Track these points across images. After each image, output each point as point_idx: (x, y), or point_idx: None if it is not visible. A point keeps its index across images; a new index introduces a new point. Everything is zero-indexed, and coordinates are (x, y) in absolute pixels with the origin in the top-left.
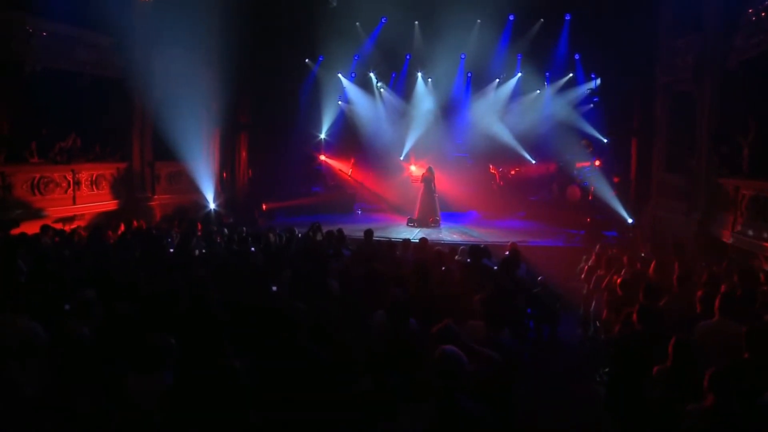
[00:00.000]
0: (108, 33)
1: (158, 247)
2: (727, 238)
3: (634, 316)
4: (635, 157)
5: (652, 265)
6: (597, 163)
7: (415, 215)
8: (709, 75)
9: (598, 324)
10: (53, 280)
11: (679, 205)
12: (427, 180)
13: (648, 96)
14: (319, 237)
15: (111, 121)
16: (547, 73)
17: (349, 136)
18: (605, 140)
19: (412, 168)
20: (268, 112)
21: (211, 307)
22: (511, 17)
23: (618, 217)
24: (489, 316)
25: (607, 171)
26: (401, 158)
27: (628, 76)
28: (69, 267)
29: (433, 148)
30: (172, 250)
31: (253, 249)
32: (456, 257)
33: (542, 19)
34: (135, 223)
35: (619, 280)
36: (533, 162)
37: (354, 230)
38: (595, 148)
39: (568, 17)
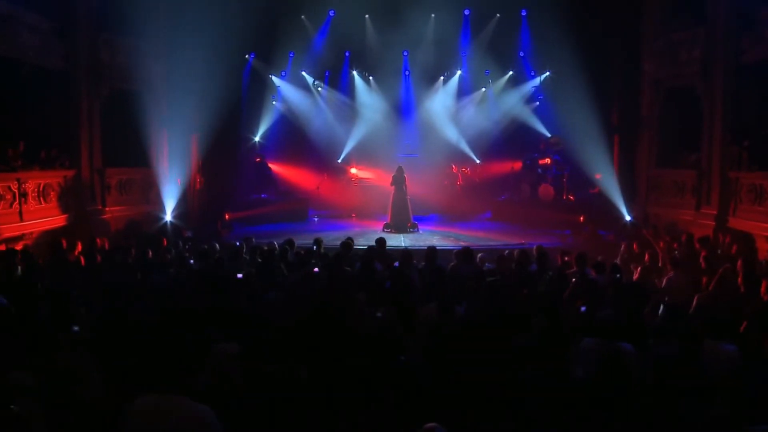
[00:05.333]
0: (47, 15)
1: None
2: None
3: None
4: (617, 154)
5: (740, 263)
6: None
7: (389, 219)
8: (721, 69)
9: None
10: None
11: (680, 201)
12: (398, 181)
13: (631, 91)
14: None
15: (55, 121)
16: (487, 72)
17: (287, 139)
18: (549, 136)
19: (353, 170)
20: (212, 113)
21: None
22: (467, 12)
23: (611, 215)
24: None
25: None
26: (339, 161)
27: (603, 71)
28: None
29: (379, 149)
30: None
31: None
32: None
33: (498, 15)
34: (99, 241)
35: None
36: (477, 161)
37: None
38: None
39: (524, 13)
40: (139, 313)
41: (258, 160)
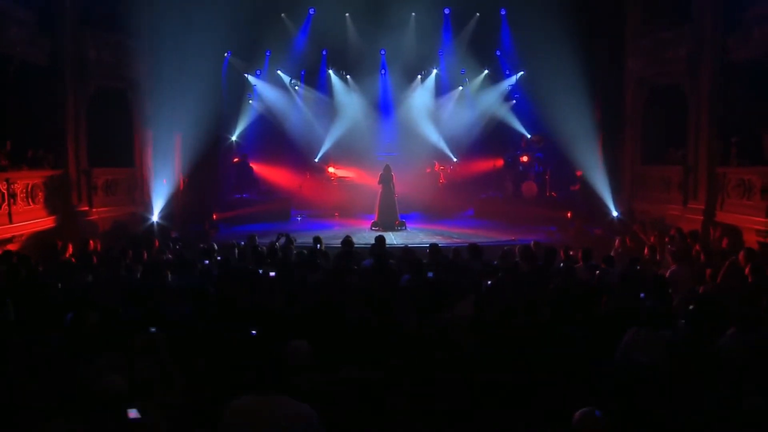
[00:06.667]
0: (33, 9)
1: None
2: (760, 226)
3: None
4: (602, 151)
5: (742, 255)
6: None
7: (376, 218)
8: (708, 67)
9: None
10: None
11: (666, 196)
12: (385, 180)
13: (615, 89)
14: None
15: (41, 119)
16: (463, 71)
17: (265, 138)
18: (529, 135)
19: (331, 170)
20: (195, 113)
21: None
22: (447, 11)
23: (597, 211)
24: None
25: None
26: (316, 160)
27: (585, 69)
28: None
29: (357, 148)
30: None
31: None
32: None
33: (478, 14)
34: (91, 243)
35: None
36: (454, 160)
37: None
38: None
39: (503, 12)
40: (178, 314)
41: (237, 160)
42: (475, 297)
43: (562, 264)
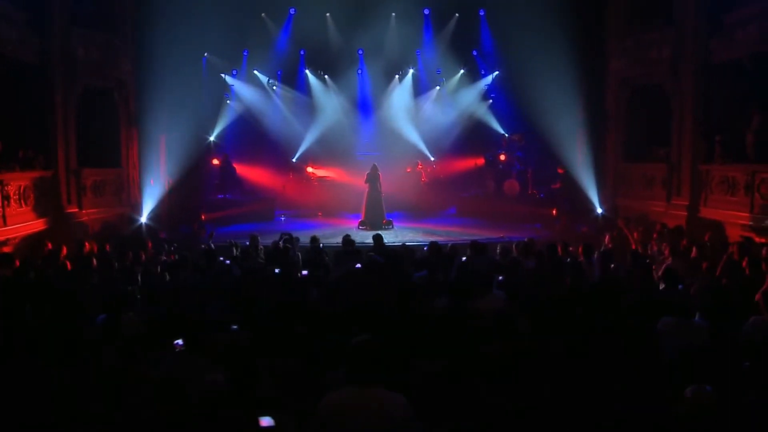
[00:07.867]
0: (22, 6)
1: None
2: (744, 221)
3: None
4: (584, 150)
5: (735, 248)
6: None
7: (363, 217)
8: (690, 68)
9: None
10: None
11: (649, 193)
12: (372, 179)
13: (597, 89)
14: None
15: (30, 119)
16: (439, 70)
17: (244, 138)
18: (506, 135)
19: (309, 169)
20: (179, 113)
21: None
22: (426, 11)
23: (580, 209)
24: None
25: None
26: (294, 160)
27: (567, 69)
28: None
29: (337, 148)
30: None
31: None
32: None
33: (457, 14)
34: (87, 245)
35: None
36: (432, 159)
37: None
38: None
39: (482, 12)
40: (217, 314)
41: (218, 162)
42: (504, 293)
43: (569, 259)
